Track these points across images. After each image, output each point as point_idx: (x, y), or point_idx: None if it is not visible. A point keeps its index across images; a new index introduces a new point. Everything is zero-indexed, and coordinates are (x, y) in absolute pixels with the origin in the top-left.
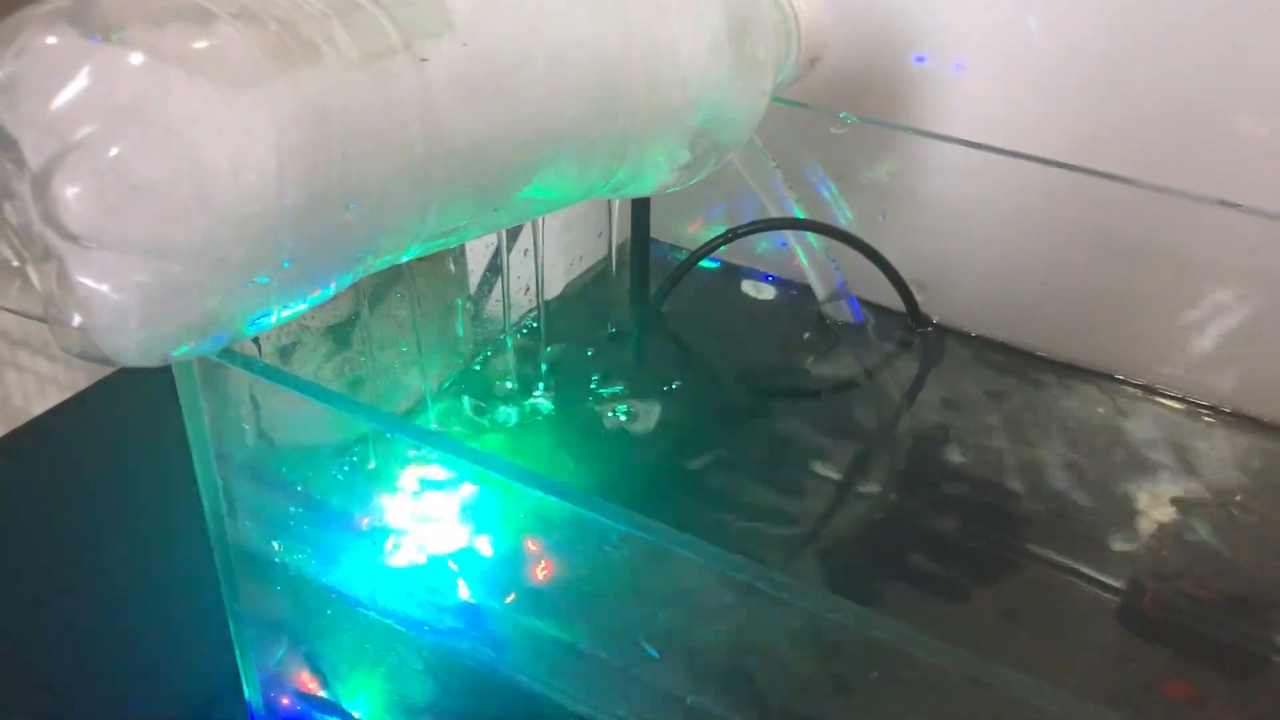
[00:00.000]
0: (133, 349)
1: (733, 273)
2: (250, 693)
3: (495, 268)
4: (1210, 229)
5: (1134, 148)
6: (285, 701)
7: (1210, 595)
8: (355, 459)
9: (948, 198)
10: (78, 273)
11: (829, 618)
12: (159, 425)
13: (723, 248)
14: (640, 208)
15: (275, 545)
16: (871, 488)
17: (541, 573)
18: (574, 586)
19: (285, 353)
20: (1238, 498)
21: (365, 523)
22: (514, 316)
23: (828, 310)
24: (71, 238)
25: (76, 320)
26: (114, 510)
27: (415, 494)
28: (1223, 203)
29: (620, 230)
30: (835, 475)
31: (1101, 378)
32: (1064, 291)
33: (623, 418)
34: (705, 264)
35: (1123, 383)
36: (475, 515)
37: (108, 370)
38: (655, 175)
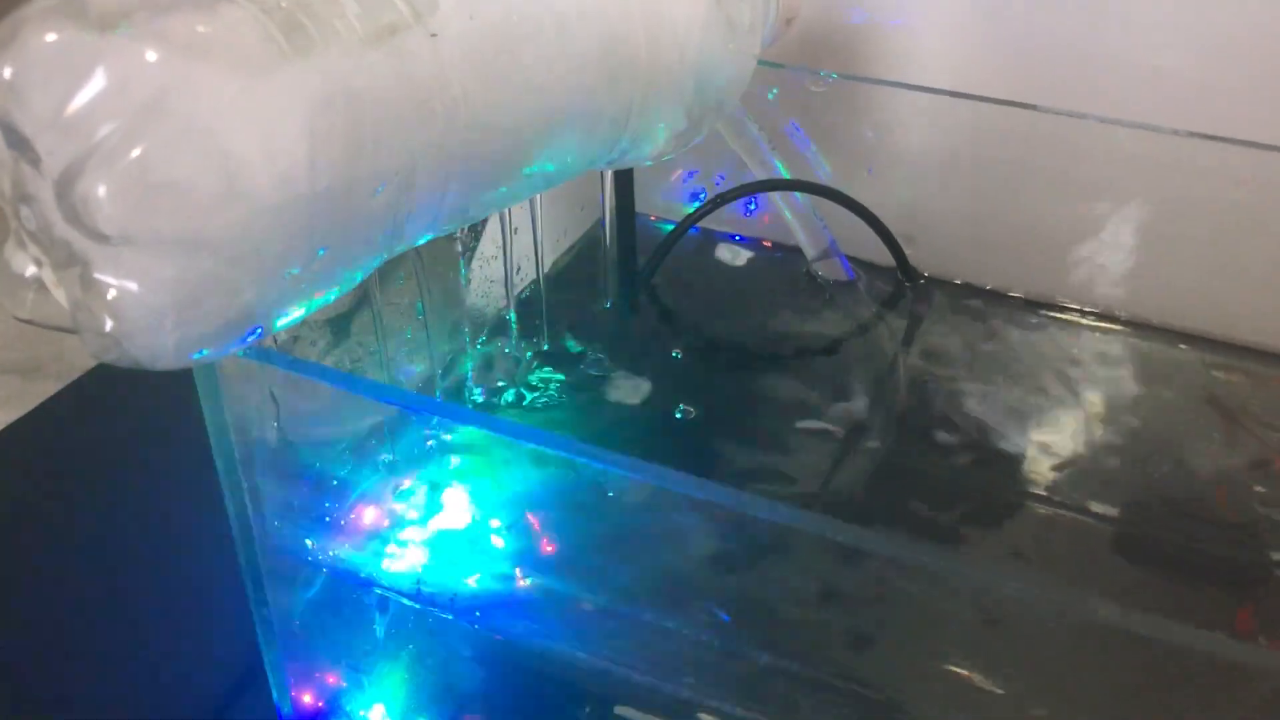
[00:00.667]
0: (168, 349)
1: (708, 238)
2: (279, 695)
3: (472, 242)
4: (1181, 162)
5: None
6: (310, 700)
7: (1210, 519)
8: (380, 448)
9: (929, 149)
10: (107, 274)
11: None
12: (138, 426)
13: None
14: (623, 180)
15: (308, 543)
16: (873, 442)
17: (590, 543)
18: (630, 553)
19: (284, 349)
20: (1216, 425)
21: (397, 510)
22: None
23: (818, 269)
24: (99, 238)
25: (109, 325)
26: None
27: (443, 475)
28: (1197, 134)
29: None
30: (838, 430)
31: (1091, 315)
32: (1047, 231)
33: (628, 388)
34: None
35: (1115, 319)
36: (509, 491)
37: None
38: (653, 143)
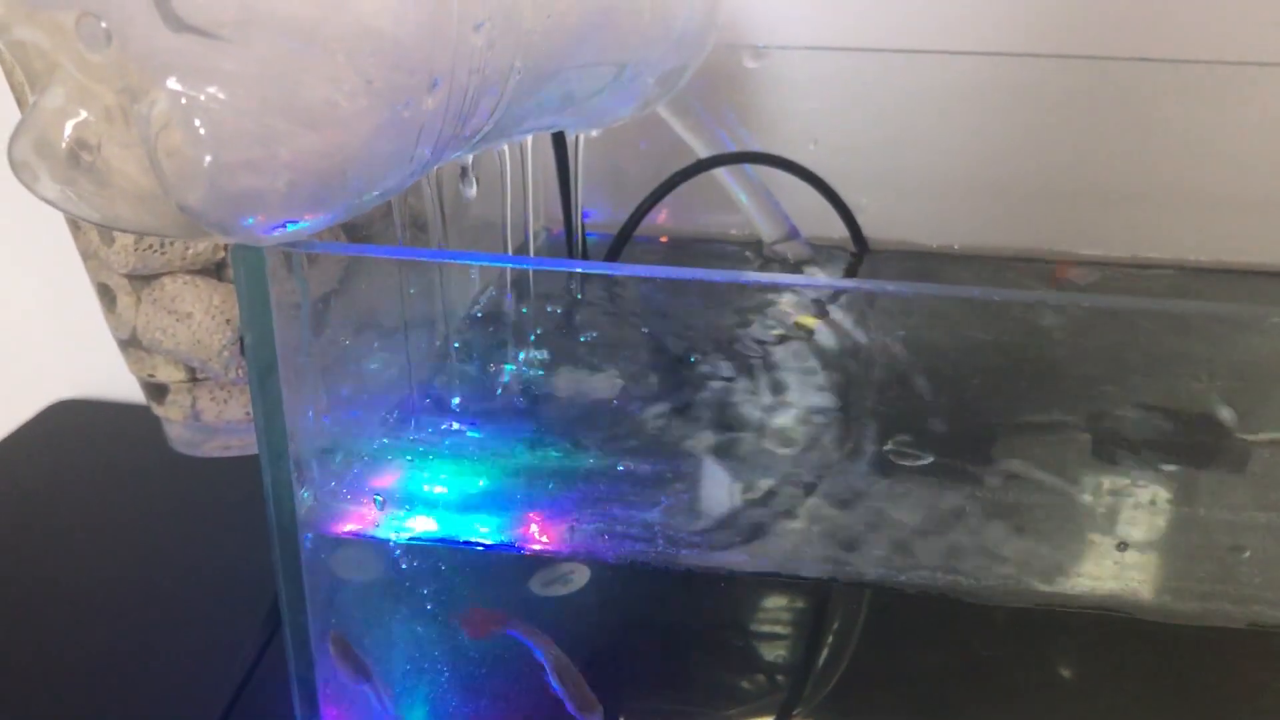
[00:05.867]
0: (260, 191)
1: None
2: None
3: None
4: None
5: None
6: None
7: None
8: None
9: (874, 112)
10: (202, 81)
11: None
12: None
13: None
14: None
15: (378, 499)
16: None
17: None
18: None
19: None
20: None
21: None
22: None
23: (779, 250)
24: (205, 31)
25: (201, 131)
26: None
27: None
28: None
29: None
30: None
31: (1046, 264)
32: (995, 182)
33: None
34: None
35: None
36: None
37: None
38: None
